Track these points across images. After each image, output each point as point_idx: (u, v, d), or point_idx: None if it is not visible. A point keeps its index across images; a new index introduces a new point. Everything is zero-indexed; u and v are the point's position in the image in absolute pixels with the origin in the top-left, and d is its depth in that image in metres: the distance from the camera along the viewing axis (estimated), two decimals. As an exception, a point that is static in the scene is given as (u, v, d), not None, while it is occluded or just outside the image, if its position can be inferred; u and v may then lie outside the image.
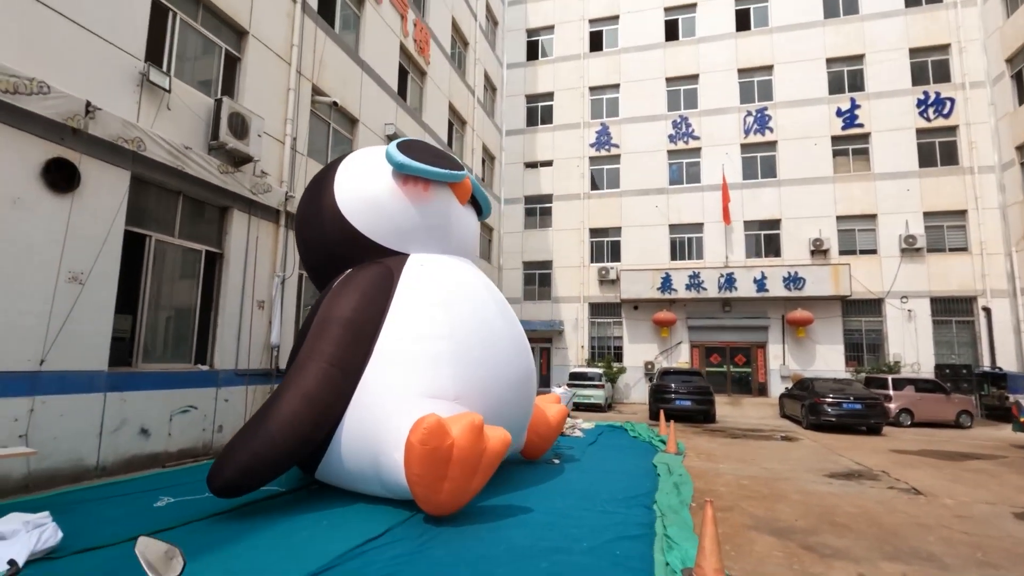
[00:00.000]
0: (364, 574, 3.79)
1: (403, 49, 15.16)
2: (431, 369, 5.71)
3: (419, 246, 6.75)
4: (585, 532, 4.81)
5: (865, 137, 20.28)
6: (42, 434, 6.03)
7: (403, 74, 15.35)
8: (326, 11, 11.82)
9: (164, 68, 7.82)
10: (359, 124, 12.75)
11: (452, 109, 18.76)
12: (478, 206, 7.85)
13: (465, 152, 19.96)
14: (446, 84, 18.06)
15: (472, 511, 5.37)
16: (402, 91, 15.20)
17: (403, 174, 6.59)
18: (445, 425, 4.83)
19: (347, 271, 6.56)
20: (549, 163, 24.21)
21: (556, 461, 8.26)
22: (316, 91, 11.14)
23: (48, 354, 6.08)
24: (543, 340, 22.99)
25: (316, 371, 5.47)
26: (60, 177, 6.29)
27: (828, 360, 19.51)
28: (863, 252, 19.82)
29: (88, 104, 6.41)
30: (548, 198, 23.98)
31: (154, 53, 7.71)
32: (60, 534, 4.35)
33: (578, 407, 17.62)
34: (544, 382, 22.83)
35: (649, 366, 20.96)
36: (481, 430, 4.98)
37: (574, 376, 17.95)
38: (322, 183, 6.89)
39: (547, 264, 23.50)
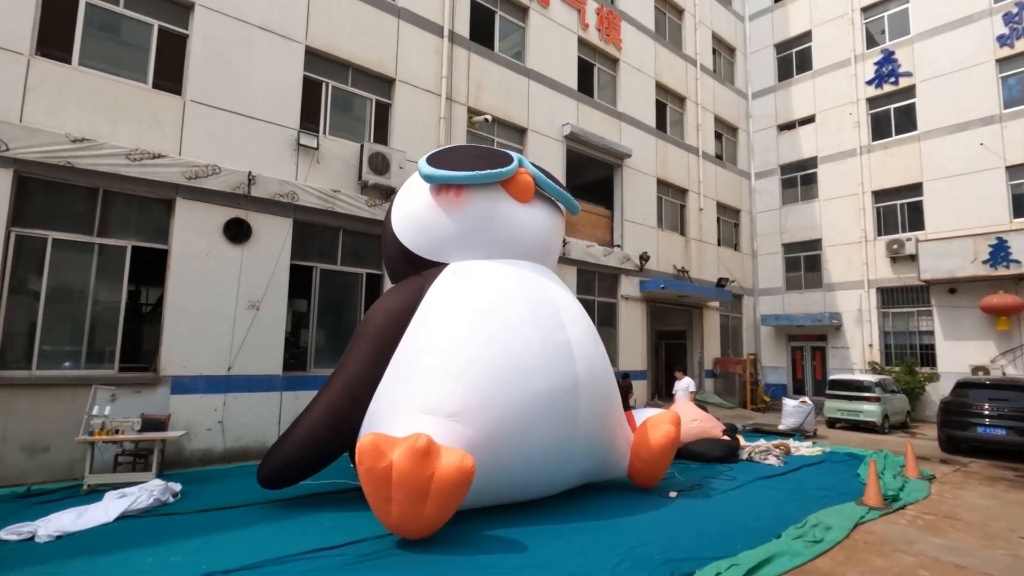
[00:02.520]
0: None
1: (583, 43, 14.72)
2: (429, 383, 5.51)
3: (458, 254, 6.55)
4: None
5: None
6: (234, 421, 8.25)
7: (586, 68, 14.88)
8: (482, 34, 12.49)
9: (319, 128, 9.69)
10: (528, 132, 13.00)
11: (662, 88, 17.16)
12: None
13: (687, 130, 17.95)
14: (649, 64, 16.64)
15: (458, 539, 4.96)
16: (586, 86, 14.75)
17: (437, 185, 6.54)
18: (382, 446, 4.64)
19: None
20: (810, 119, 19.56)
21: (672, 494, 6.75)
22: (473, 112, 11.90)
23: (233, 362, 8.28)
24: (812, 338, 18.64)
25: (339, 383, 5.96)
26: (237, 231, 8.51)
27: None
28: None
29: (249, 174, 8.50)
30: (811, 162, 19.39)
31: (310, 115, 9.63)
32: (170, 498, 5.99)
33: (833, 424, 13.68)
34: (797, 389, 18.47)
35: (981, 372, 14.67)
36: (425, 453, 4.57)
37: (835, 385, 13.98)
38: (389, 207, 7.40)
39: (814, 244, 19.00)
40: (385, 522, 4.74)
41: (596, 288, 14.44)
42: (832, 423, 13.80)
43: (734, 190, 19.93)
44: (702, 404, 15.71)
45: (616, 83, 15.68)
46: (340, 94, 10.14)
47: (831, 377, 14.52)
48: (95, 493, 6.10)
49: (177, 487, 6.33)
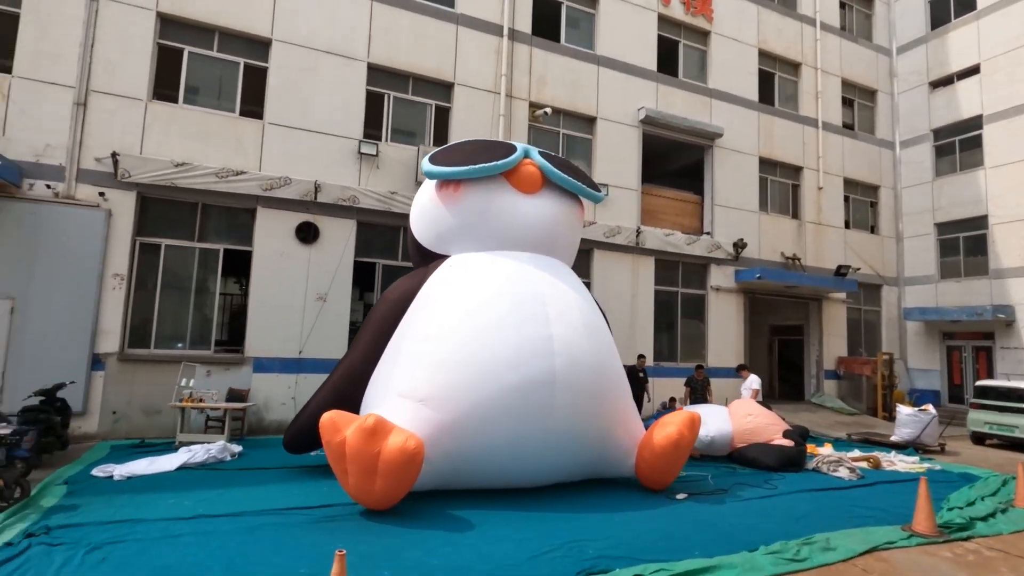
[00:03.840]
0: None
1: (664, 20, 13.91)
2: (408, 368, 5.90)
3: (459, 246, 6.84)
4: None
5: None
6: (304, 397, 9.43)
7: (668, 46, 14.03)
8: (546, 27, 12.49)
9: (381, 135, 10.61)
10: (597, 121, 12.72)
11: (767, 56, 15.46)
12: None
13: (803, 100, 15.93)
14: (750, 31, 15.11)
15: (419, 513, 5.30)
16: (667, 65, 13.92)
17: (440, 180, 6.90)
18: (339, 422, 5.13)
19: (400, 279, 7.39)
20: (973, 70, 16.05)
21: (681, 496, 6.34)
22: (535, 106, 12.01)
23: (304, 347, 9.53)
24: (975, 336, 15.36)
25: (343, 365, 6.64)
26: (307, 233, 9.76)
27: None
28: None
29: (316, 182, 9.68)
30: (974, 123, 15.91)
31: (374, 123, 10.59)
32: (227, 456, 7.21)
33: (981, 440, 11.22)
34: (954, 396, 15.19)
35: None
36: (372, 432, 4.97)
37: (983, 392, 11.44)
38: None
39: (977, 222, 15.59)
40: (346, 491, 5.26)
41: (680, 279, 13.61)
42: (979, 439, 11.37)
43: (870, 163, 17.18)
44: (815, 407, 14.04)
45: (706, 58, 14.53)
46: (401, 103, 10.99)
47: (978, 383, 11.92)
48: (182, 447, 7.56)
49: (237, 448, 7.58)
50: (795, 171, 15.70)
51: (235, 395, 8.74)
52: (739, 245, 14.03)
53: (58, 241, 8.19)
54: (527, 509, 5.62)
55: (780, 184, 15.51)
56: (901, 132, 17.70)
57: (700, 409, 9.14)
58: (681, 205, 14.05)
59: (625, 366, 10.81)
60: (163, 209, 9.09)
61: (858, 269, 15.73)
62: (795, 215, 15.58)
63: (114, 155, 8.51)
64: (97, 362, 8.37)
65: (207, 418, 8.56)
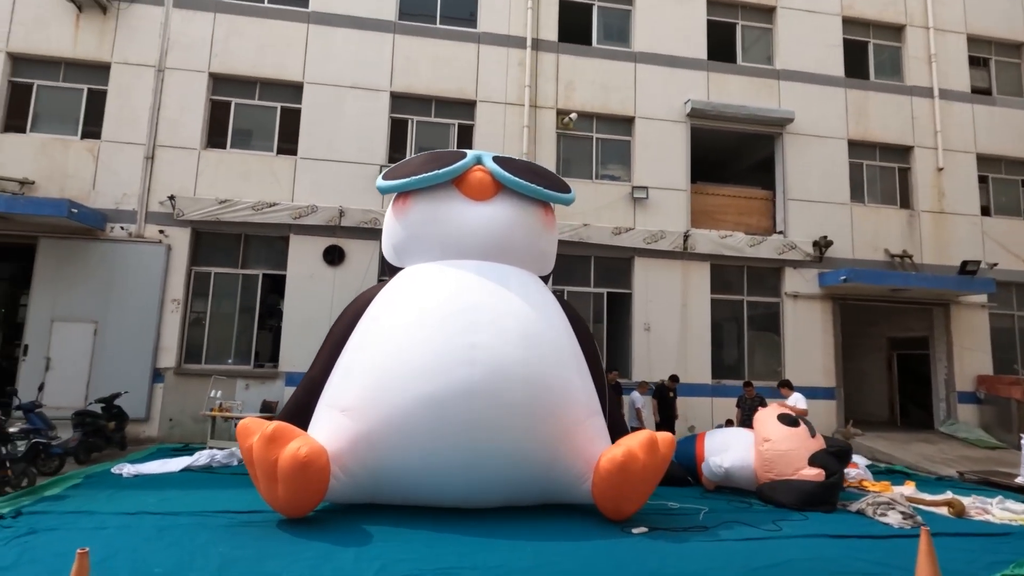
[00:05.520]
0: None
1: (717, 3, 12.70)
2: (339, 379, 5.99)
3: (411, 258, 6.79)
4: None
5: None
6: (331, 411, 10.06)
7: (721, 31, 12.75)
8: (575, 32, 12.10)
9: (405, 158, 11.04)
10: (636, 121, 11.94)
11: (855, 24, 13.29)
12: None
13: (909, 67, 13.35)
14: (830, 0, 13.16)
15: (330, 525, 5.28)
16: (721, 51, 12.62)
17: (394, 195, 6.99)
18: (251, 428, 5.32)
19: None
20: None
21: (637, 531, 5.52)
22: (563, 113, 11.64)
23: (329, 363, 10.12)
24: None
25: (306, 377, 6.89)
26: (334, 256, 10.45)
27: None
28: None
29: (340, 207, 10.38)
30: None
31: (398, 147, 11.08)
32: (234, 461, 7.88)
33: None
34: None
35: None
36: (270, 439, 5.05)
37: None
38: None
39: None
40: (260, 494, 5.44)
41: (745, 286, 12.06)
42: None
43: (1018, 133, 13.76)
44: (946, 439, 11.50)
45: (771, 37, 12.93)
46: (425, 125, 11.37)
47: None
48: (197, 451, 8.42)
49: (244, 455, 8.24)
50: (902, 152, 13.15)
51: (267, 406, 9.55)
52: (822, 244, 12.05)
53: (129, 273, 9.77)
54: (447, 530, 5.29)
55: (881, 169, 13.09)
56: (1066, 89, 13.97)
57: (724, 434, 7.97)
58: (745, 203, 12.52)
59: (645, 383, 9.93)
60: (212, 241, 10.40)
61: (994, 265, 12.57)
62: (904, 204, 13.01)
63: (171, 197, 9.98)
64: (158, 375, 9.75)
65: (233, 426, 9.45)
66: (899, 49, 13.55)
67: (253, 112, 10.90)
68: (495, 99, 11.44)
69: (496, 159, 6.84)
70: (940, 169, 13.03)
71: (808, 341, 11.92)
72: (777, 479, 6.79)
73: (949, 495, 7.14)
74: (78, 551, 3.11)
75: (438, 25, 11.55)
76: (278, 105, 10.89)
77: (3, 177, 9.56)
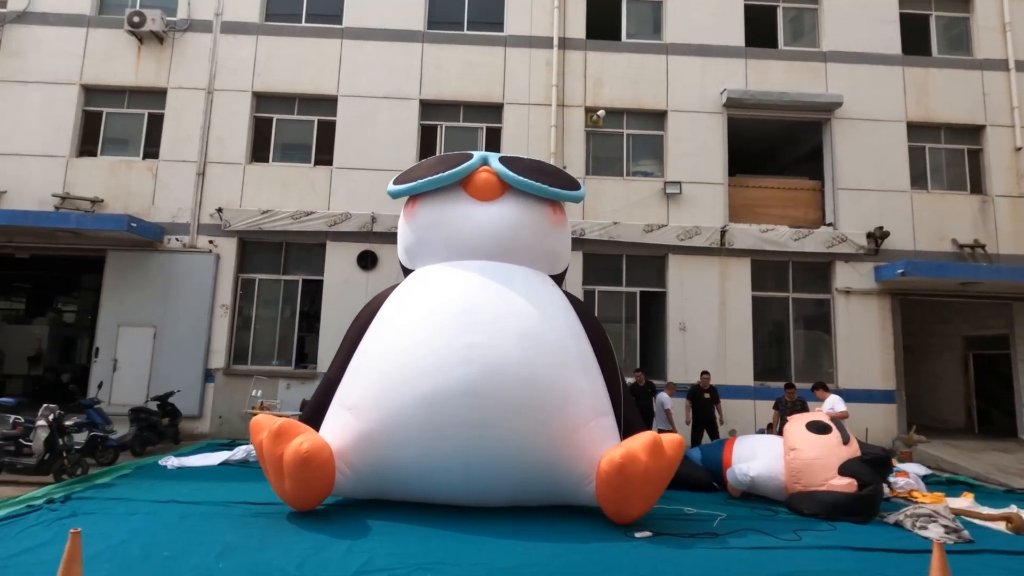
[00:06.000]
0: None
1: (754, -14, 12.12)
2: (348, 379, 6.20)
3: (421, 260, 6.95)
4: None
5: None
6: (365, 410, 10.43)
7: (761, 14, 12.14)
8: (603, 28, 11.91)
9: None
10: (668, 114, 11.59)
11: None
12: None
13: (980, 40, 12.14)
14: (884, -29, 12.20)
15: (334, 519, 5.49)
16: (762, 36, 12.02)
17: (406, 199, 7.18)
18: (262, 424, 5.63)
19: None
20: None
21: (640, 535, 5.36)
22: (592, 111, 11.48)
23: (363, 364, 10.49)
24: None
25: (325, 378, 7.17)
26: (367, 261, 10.84)
27: None
28: None
29: (372, 214, 10.76)
30: None
31: (428, 152, 11.29)
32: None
33: None
34: None
35: None
36: (277, 435, 5.34)
37: None
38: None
39: None
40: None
41: (790, 282, 11.39)
42: None
43: (1117, 104, 12.17)
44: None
45: (817, 17, 12.16)
46: (453, 130, 11.57)
47: None
48: (237, 447, 8.94)
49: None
50: (971, 132, 11.99)
51: (303, 405, 10.03)
52: (877, 235, 11.18)
53: (183, 281, 10.58)
54: (447, 527, 5.36)
55: (946, 152, 11.99)
56: None
57: (753, 440, 7.55)
58: (791, 195, 11.83)
59: (673, 384, 9.58)
60: (256, 249, 11.06)
61: (1084, 253, 11.16)
62: (975, 189, 11.84)
63: (219, 210, 10.72)
64: (209, 375, 10.47)
65: (279, 424, 9.98)
66: (966, 20, 12.37)
67: (293, 126, 11.52)
68: (522, 100, 11.46)
69: (502, 159, 6.87)
70: (1018, 149, 11.76)
71: (863, 340, 11.07)
72: (806, 489, 6.36)
73: (1013, 509, 6.43)
74: (71, 531, 3.41)
75: (465, 31, 11.73)
76: (315, 119, 11.44)
77: (77, 197, 10.63)
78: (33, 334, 14.87)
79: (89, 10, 11.39)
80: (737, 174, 11.86)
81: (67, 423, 6.81)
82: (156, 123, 11.24)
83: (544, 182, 6.83)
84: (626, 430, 6.38)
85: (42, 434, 6.51)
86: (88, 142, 11.22)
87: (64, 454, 6.64)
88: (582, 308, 7.08)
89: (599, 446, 5.90)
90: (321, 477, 5.38)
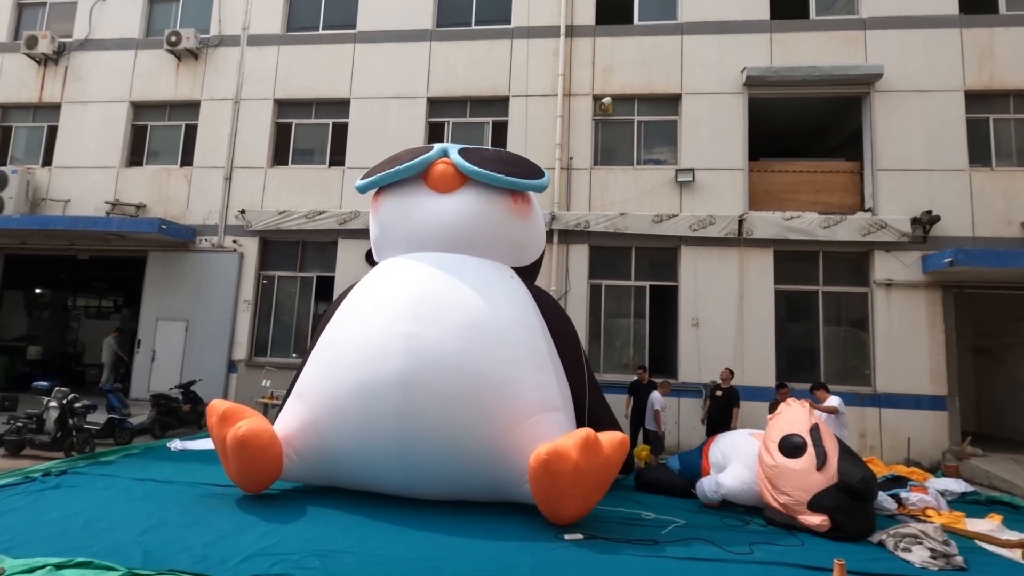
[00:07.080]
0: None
1: (782, -46, 11.15)
2: (305, 368, 6.39)
3: (384, 253, 7.05)
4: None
5: None
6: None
7: (792, -16, 11.16)
8: (614, 12, 11.45)
9: (441, 163, 11.38)
10: (683, 98, 10.95)
11: (976, -52, 10.76)
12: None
13: (1063, -9, 10.47)
14: (938, -77, 10.79)
15: (276, 503, 5.68)
16: (788, 7, 11.04)
17: (374, 193, 7.29)
18: (215, 408, 5.90)
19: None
20: None
21: (571, 536, 5.11)
22: (600, 99, 11.09)
23: (370, 357, 10.80)
24: None
25: (297, 370, 7.43)
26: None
27: None
28: None
29: (379, 211, 11.01)
30: None
31: (437, 156, 11.43)
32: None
33: None
34: None
35: None
36: (223, 418, 5.61)
37: None
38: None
39: None
40: (228, 471, 6.01)
41: (820, 274, 10.38)
42: None
43: None
44: None
45: (856, -18, 10.99)
46: (460, 126, 11.61)
47: None
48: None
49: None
50: (1049, 99, 10.34)
51: (315, 396, 10.48)
52: (924, 221, 9.92)
53: (212, 278, 11.40)
54: (379, 518, 5.35)
55: (1016, 123, 10.41)
56: None
57: (727, 440, 6.91)
58: (823, 178, 10.78)
59: (667, 382, 9.04)
60: (276, 248, 11.70)
61: None
62: (1053, 164, 10.19)
63: (242, 211, 11.44)
64: (232, 366, 11.21)
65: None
66: (1045, -31, 10.67)
67: (310, 130, 12.07)
68: (527, 92, 11.28)
69: (462, 151, 6.79)
70: (1111, 115, 10.00)
71: (908, 339, 9.87)
72: (780, 509, 5.75)
73: (1041, 536, 5.48)
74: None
75: (473, 27, 11.74)
76: (330, 122, 11.91)
77: (125, 203, 11.76)
78: (109, 328, 16.61)
79: (137, 33, 12.57)
80: (761, 158, 10.98)
81: (77, 405, 7.54)
82: (191, 133, 12.19)
83: (506, 172, 6.68)
84: (595, 428, 6.11)
85: (53, 414, 7.25)
86: (135, 153, 12.39)
87: (73, 433, 7.36)
88: (545, 300, 6.87)
89: (542, 442, 5.68)
90: (262, 460, 5.58)
